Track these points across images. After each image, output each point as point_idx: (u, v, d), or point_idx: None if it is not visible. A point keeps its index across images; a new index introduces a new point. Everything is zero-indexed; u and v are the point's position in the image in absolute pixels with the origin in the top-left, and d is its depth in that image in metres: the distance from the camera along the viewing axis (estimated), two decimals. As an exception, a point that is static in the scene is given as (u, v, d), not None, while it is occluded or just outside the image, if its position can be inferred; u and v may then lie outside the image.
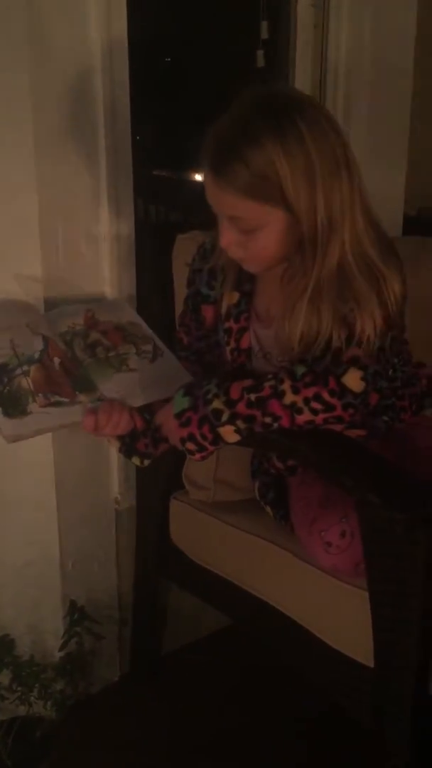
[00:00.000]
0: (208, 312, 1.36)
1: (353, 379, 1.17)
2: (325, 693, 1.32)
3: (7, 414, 1.18)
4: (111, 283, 1.53)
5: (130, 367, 1.29)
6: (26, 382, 1.21)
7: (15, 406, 1.19)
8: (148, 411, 1.29)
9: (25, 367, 1.22)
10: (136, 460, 1.34)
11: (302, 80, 1.92)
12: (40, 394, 1.20)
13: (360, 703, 1.24)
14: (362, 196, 1.16)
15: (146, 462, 1.34)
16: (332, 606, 1.26)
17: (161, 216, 2.29)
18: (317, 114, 1.11)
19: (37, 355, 1.24)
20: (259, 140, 1.07)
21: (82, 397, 1.23)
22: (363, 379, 1.17)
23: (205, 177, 1.14)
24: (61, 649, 1.58)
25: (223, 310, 1.33)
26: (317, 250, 1.14)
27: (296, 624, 1.33)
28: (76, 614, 1.58)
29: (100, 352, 1.29)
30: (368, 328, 1.15)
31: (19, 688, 1.53)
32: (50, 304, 1.40)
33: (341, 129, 1.14)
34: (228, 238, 1.19)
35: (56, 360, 1.25)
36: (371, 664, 1.20)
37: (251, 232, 1.16)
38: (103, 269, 1.52)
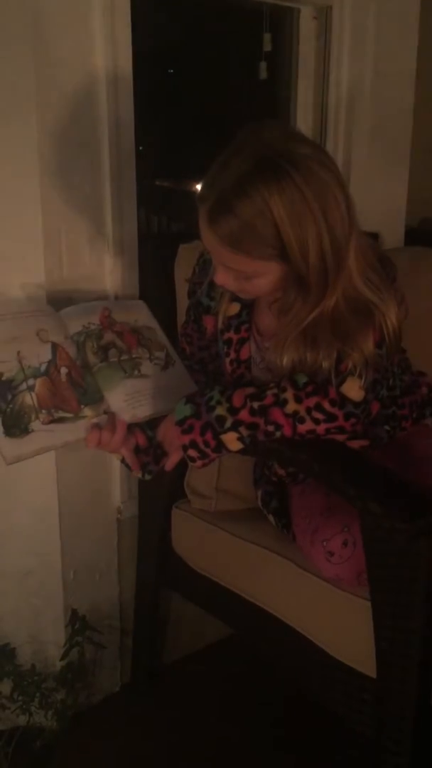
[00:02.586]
0: (209, 323, 1.37)
1: (352, 388, 1.17)
2: (327, 703, 1.31)
3: (9, 433, 1.15)
4: (114, 292, 1.53)
5: (142, 373, 1.28)
6: (30, 398, 1.18)
7: (17, 425, 1.16)
8: (150, 427, 1.30)
9: (30, 381, 1.19)
10: (137, 473, 1.34)
11: (304, 92, 1.94)
12: (43, 410, 1.18)
13: (361, 713, 1.23)
14: (358, 235, 1.15)
15: (148, 476, 1.34)
16: (334, 616, 1.26)
17: (163, 226, 2.30)
18: (315, 163, 1.07)
19: (43, 368, 1.21)
20: (254, 198, 1.05)
21: (87, 411, 1.22)
22: (362, 387, 1.18)
23: (201, 224, 1.12)
24: (62, 658, 1.58)
25: (220, 322, 1.34)
26: (321, 293, 1.14)
27: (298, 633, 1.32)
28: (78, 624, 1.58)
29: (113, 355, 1.27)
30: (360, 364, 1.16)
31: (20, 698, 1.53)
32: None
33: (338, 171, 1.11)
34: (223, 280, 1.20)
35: (63, 370, 1.23)
36: (373, 674, 1.19)
37: (247, 278, 1.16)
38: (105, 278, 1.52)
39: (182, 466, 1.40)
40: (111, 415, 1.23)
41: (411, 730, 1.16)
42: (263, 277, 1.15)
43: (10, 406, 1.17)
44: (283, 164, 1.05)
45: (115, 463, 1.61)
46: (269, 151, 1.06)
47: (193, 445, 1.19)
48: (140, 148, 1.56)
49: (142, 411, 1.25)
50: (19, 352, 1.20)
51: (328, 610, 1.27)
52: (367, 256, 1.17)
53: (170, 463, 1.29)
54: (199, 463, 1.21)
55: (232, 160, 1.07)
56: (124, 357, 1.28)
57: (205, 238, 1.13)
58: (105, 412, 1.23)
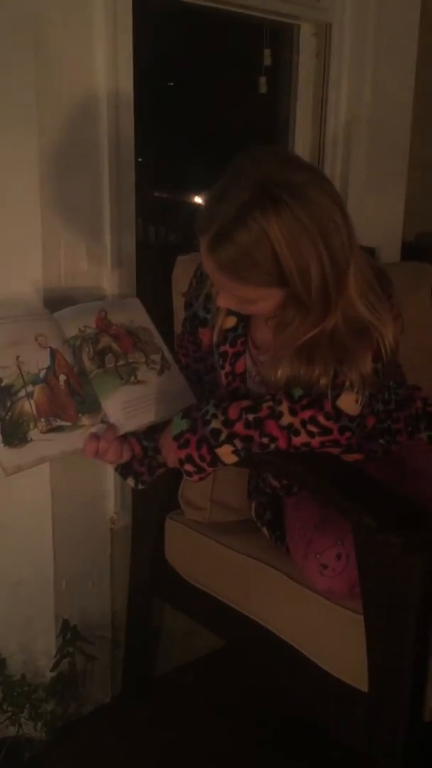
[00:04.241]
0: (204, 335, 1.37)
1: (348, 402, 1.18)
2: (319, 717, 1.31)
3: (8, 443, 1.15)
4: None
5: (138, 379, 1.28)
6: (29, 405, 1.17)
7: (16, 434, 1.15)
8: (146, 437, 1.30)
9: (29, 388, 1.18)
10: (131, 481, 1.34)
11: (303, 107, 1.95)
12: (42, 419, 1.18)
13: (354, 728, 1.23)
14: (358, 256, 1.15)
15: (141, 486, 1.34)
16: (326, 629, 1.26)
17: (161, 236, 2.31)
18: (313, 190, 1.07)
19: (42, 374, 1.20)
20: (252, 227, 1.05)
21: (84, 420, 1.22)
22: (358, 402, 1.18)
23: (201, 254, 1.13)
24: (52, 669, 1.57)
25: (216, 336, 1.34)
26: (322, 315, 1.14)
27: (290, 647, 1.32)
28: (69, 634, 1.57)
29: (109, 360, 1.27)
30: (357, 382, 1.17)
31: (9, 709, 1.52)
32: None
33: (337, 194, 1.11)
34: (225, 303, 1.21)
35: (62, 377, 1.22)
36: (365, 688, 1.19)
37: (251, 302, 1.17)
38: (104, 288, 1.53)
39: (176, 477, 1.40)
40: (109, 426, 1.23)
41: (403, 744, 1.15)
42: (265, 301, 1.15)
43: (9, 413, 1.16)
44: (280, 193, 1.05)
45: (110, 472, 1.61)
46: (266, 180, 1.06)
47: (189, 459, 1.20)
48: (139, 159, 1.57)
49: (140, 419, 1.25)
50: (18, 357, 1.19)
51: (321, 624, 1.27)
52: (366, 276, 1.18)
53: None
54: (195, 477, 1.21)
55: (230, 190, 1.07)
56: (121, 362, 1.28)
57: (207, 266, 1.14)
58: (103, 421, 1.23)
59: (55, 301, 1.42)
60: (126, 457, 1.27)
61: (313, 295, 1.11)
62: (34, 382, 1.19)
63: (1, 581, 1.57)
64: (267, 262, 1.07)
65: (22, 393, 1.18)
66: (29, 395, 1.18)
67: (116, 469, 1.34)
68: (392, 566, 1.10)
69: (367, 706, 1.19)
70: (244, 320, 1.33)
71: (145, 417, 1.25)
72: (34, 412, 1.18)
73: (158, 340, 1.35)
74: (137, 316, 1.36)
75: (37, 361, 1.21)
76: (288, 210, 1.04)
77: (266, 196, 1.05)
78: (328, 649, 1.26)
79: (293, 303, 1.15)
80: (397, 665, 1.13)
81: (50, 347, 1.23)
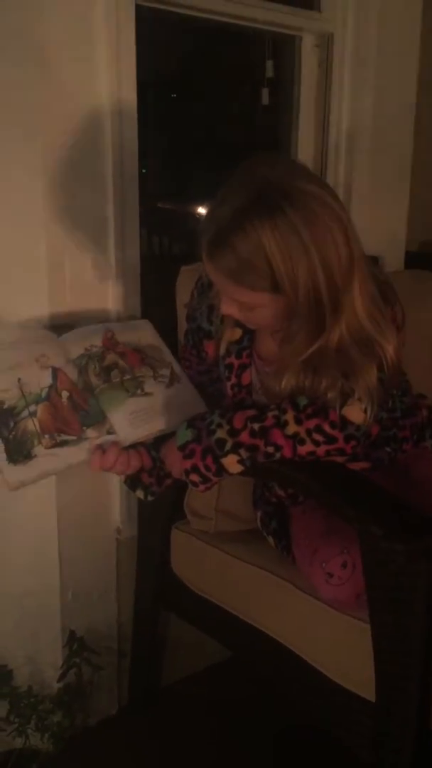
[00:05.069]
0: (210, 348, 1.37)
1: (354, 411, 1.18)
2: (326, 726, 1.30)
3: (12, 460, 1.16)
4: (117, 314, 1.54)
5: (145, 391, 1.27)
6: (33, 424, 1.18)
7: (20, 451, 1.16)
8: (155, 448, 1.30)
9: (32, 408, 1.19)
10: (139, 494, 1.34)
11: (306, 118, 1.96)
12: (46, 435, 1.18)
13: (360, 737, 1.22)
14: (361, 269, 1.14)
15: (150, 498, 1.34)
16: (333, 638, 1.26)
17: (165, 247, 2.32)
18: (313, 200, 1.07)
19: (44, 393, 1.21)
20: (249, 232, 1.06)
21: (90, 432, 1.22)
22: (364, 410, 1.18)
23: (203, 257, 1.14)
24: (59, 680, 1.57)
25: (222, 348, 1.34)
26: (320, 327, 1.14)
27: (296, 656, 1.32)
28: (75, 645, 1.57)
29: (115, 376, 1.27)
30: (364, 396, 1.17)
31: (16, 720, 1.52)
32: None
33: (342, 209, 1.11)
34: (228, 310, 1.21)
35: (64, 393, 1.22)
36: (372, 698, 1.18)
37: (250, 309, 1.18)
38: (109, 300, 1.53)
39: (182, 487, 1.40)
40: (115, 440, 1.23)
41: (410, 753, 1.15)
42: (265, 308, 1.16)
43: (13, 433, 1.17)
44: (278, 200, 1.05)
45: (115, 483, 1.61)
46: (267, 186, 1.06)
47: (195, 469, 1.20)
48: (143, 170, 1.58)
49: (146, 429, 1.25)
50: (19, 380, 1.20)
51: (328, 633, 1.26)
52: (369, 290, 1.17)
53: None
54: (201, 487, 1.21)
55: (231, 194, 1.09)
56: (127, 377, 1.28)
57: (207, 270, 1.15)
58: (109, 433, 1.23)
59: (60, 315, 1.43)
60: (134, 466, 1.27)
61: (303, 306, 1.11)
62: (36, 402, 1.20)
63: (7, 593, 1.58)
64: (262, 267, 1.08)
65: (25, 413, 1.19)
66: (32, 414, 1.19)
67: (125, 482, 1.34)
68: (398, 574, 1.09)
69: (374, 716, 1.19)
70: (249, 332, 1.33)
71: (153, 426, 1.25)
72: (38, 429, 1.18)
73: (168, 356, 1.35)
74: (146, 335, 1.37)
75: (39, 381, 1.22)
76: (284, 218, 1.05)
77: (264, 203, 1.06)
78: (335, 658, 1.26)
79: (294, 314, 1.15)
80: (405, 674, 1.13)
81: (52, 367, 1.24)
